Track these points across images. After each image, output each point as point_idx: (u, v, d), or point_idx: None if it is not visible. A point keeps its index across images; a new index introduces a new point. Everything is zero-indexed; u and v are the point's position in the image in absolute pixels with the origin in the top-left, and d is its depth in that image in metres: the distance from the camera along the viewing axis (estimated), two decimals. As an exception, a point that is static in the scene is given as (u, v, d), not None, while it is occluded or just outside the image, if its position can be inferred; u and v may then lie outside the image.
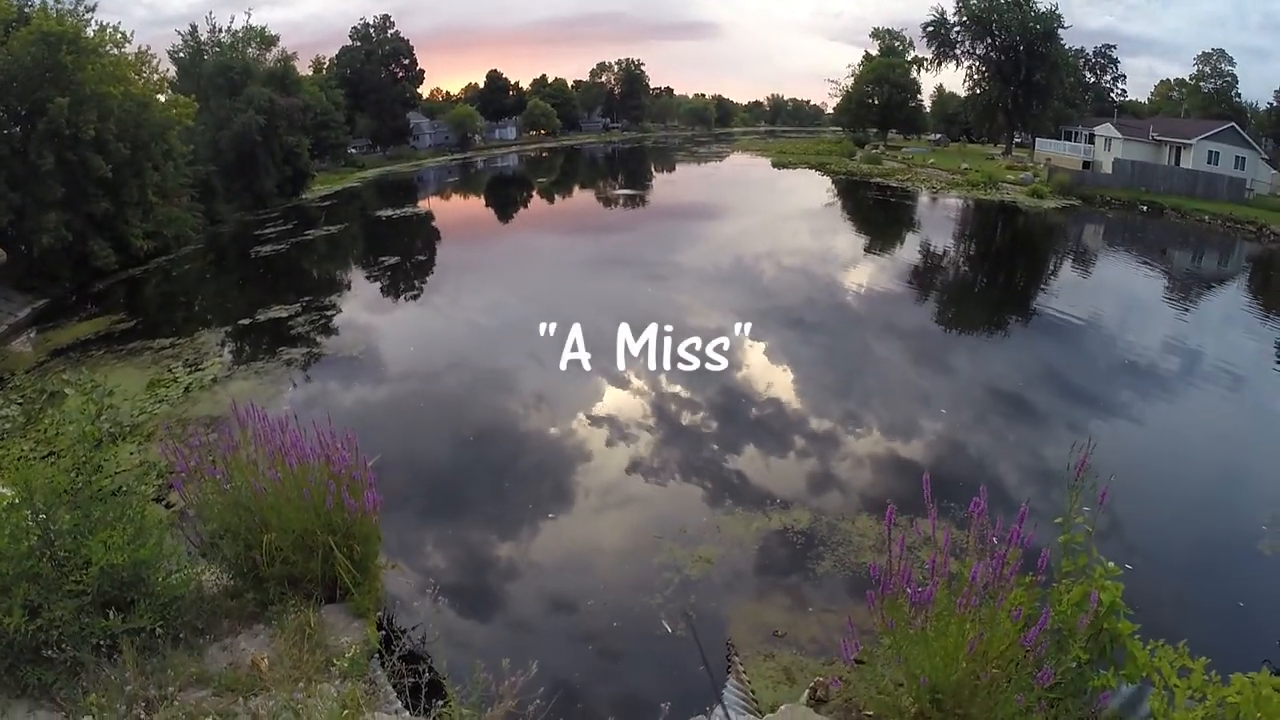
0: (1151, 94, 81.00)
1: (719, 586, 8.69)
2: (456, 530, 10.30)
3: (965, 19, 68.15)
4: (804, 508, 10.46)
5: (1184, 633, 7.49)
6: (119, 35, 30.07)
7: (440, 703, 4.40)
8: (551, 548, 9.85)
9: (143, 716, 4.45)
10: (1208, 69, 73.15)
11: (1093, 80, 77.13)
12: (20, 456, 11.69)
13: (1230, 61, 72.16)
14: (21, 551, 4.96)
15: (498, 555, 9.70)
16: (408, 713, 4.96)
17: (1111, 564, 5.12)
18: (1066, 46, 67.76)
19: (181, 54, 47.81)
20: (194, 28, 48.98)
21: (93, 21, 29.22)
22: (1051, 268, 30.80)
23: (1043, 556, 4.75)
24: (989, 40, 67.31)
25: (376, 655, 5.40)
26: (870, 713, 5.33)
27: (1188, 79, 75.97)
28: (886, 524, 4.54)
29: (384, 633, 5.97)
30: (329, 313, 22.70)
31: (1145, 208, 44.08)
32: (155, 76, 34.83)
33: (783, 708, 5.42)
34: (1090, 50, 76.63)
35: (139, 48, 32.74)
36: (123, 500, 5.64)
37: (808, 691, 6.13)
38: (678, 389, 15.49)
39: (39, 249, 25.60)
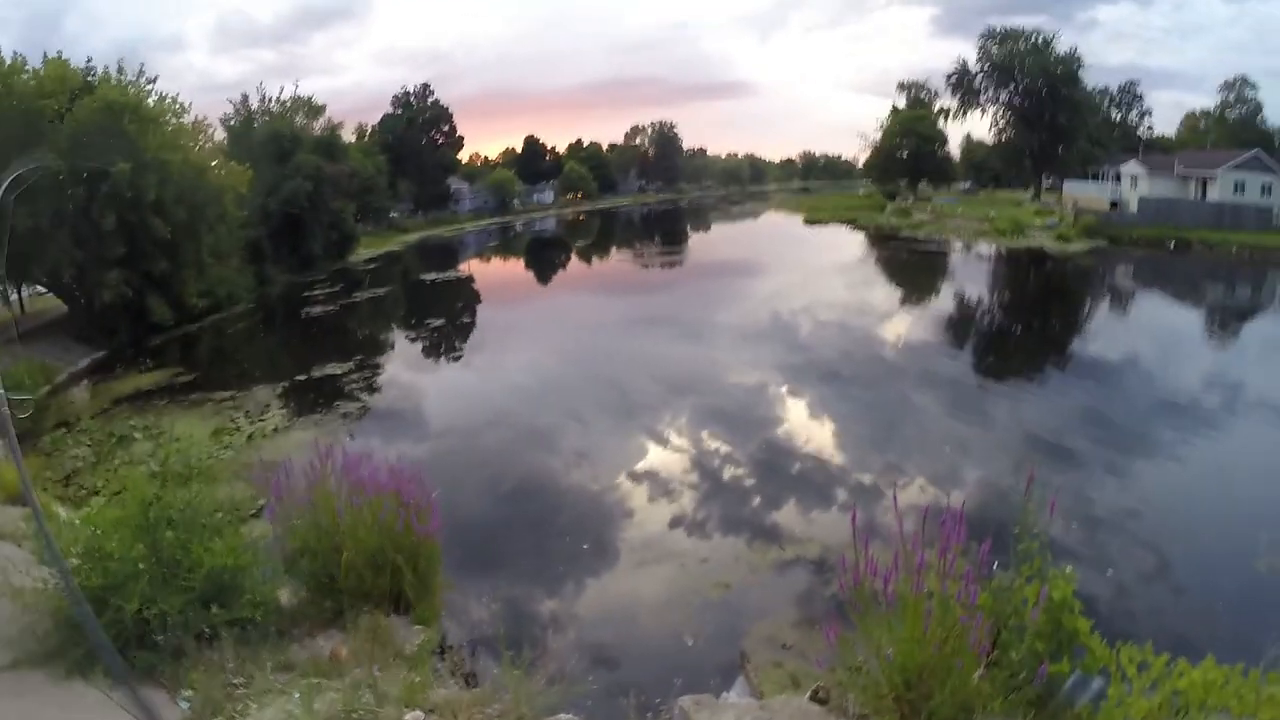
0: (1179, 127, 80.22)
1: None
2: (500, 565, 11.19)
3: (987, 67, 69.36)
4: (815, 542, 11.29)
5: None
6: (178, 105, 31.93)
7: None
8: (587, 581, 10.69)
9: (239, 691, 5.38)
10: (1232, 96, 73.07)
11: (1119, 118, 76.99)
12: (94, 492, 12.93)
13: (1254, 87, 72.15)
14: (135, 555, 5.82)
15: (536, 584, 10.55)
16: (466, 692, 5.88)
17: (1069, 569, 5.81)
18: (1090, 86, 68.37)
19: (233, 121, 50.97)
20: (245, 97, 52.44)
21: (153, 92, 30.88)
22: (1076, 309, 31.21)
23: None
24: (1012, 86, 68.34)
25: (437, 652, 6.34)
26: (865, 713, 6.06)
27: (1213, 108, 75.86)
28: (851, 523, 5.39)
29: (442, 638, 6.92)
30: (379, 371, 24.15)
31: (1173, 243, 44.32)
32: (209, 144, 36.74)
33: (783, 696, 6.21)
34: (1114, 88, 77.05)
35: (196, 117, 34.77)
36: (221, 519, 6.68)
37: (809, 693, 6.88)
38: (715, 445, 16.06)
39: (99, 303, 27.30)
